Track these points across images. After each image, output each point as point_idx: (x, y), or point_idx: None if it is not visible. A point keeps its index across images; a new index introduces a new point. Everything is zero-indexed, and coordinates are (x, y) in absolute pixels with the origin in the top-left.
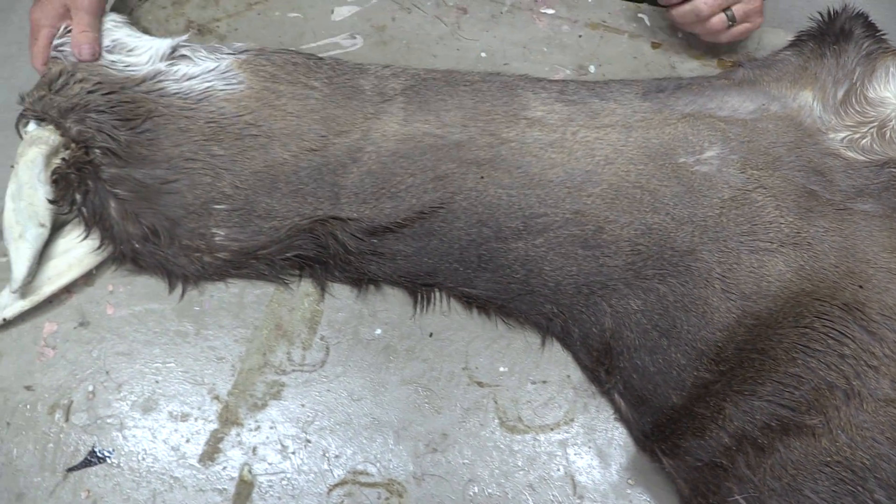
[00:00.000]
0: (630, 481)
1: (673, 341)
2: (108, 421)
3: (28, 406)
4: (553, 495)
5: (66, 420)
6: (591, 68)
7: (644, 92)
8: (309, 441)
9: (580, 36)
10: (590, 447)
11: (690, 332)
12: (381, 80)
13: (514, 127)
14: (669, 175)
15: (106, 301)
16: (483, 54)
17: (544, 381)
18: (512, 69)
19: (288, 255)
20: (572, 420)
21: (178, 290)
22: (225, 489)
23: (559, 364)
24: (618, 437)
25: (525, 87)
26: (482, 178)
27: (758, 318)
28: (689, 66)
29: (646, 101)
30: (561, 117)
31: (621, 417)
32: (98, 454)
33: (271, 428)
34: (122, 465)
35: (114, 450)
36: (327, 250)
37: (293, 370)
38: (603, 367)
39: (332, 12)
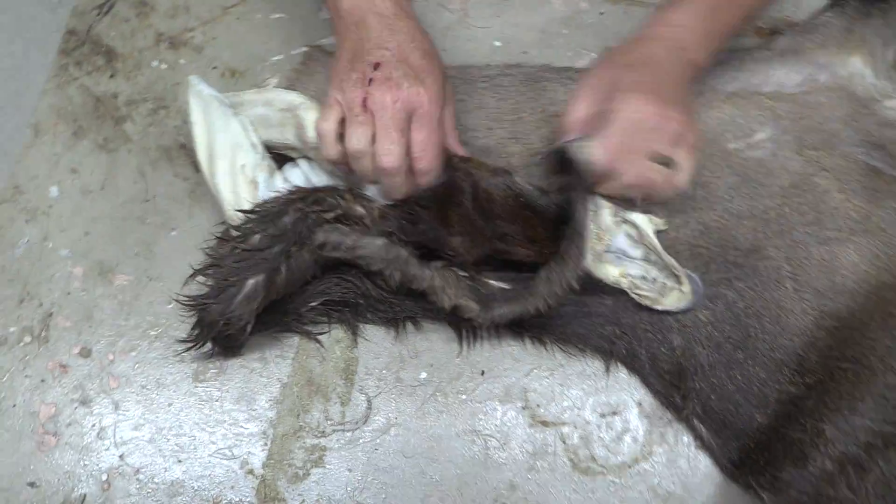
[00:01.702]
0: None
1: (749, 353)
2: None
3: None
4: None
5: None
6: None
7: None
8: None
9: (601, 13)
10: (674, 482)
11: (766, 340)
12: None
13: (545, 126)
14: (720, 165)
15: (107, 373)
16: (497, 43)
17: (614, 413)
18: (532, 58)
19: (313, 303)
20: (650, 454)
21: (190, 354)
22: None
23: (628, 391)
24: (703, 468)
25: (551, 79)
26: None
27: (839, 319)
28: None
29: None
30: None
31: (703, 445)
32: None
33: (318, 501)
34: None
35: None
36: (357, 289)
37: (333, 430)
38: (677, 390)
39: (321, 10)
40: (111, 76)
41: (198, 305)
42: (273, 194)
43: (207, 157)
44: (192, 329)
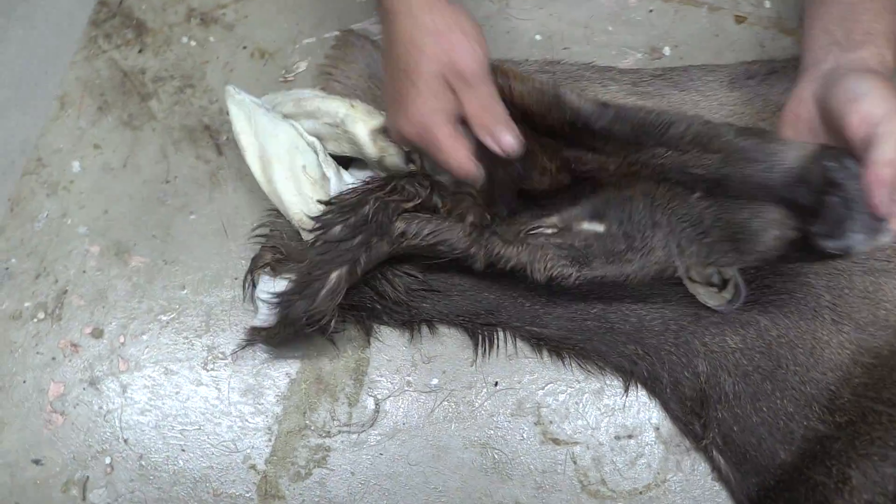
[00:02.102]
0: None
1: (778, 385)
2: (131, 498)
3: (38, 483)
4: None
5: (84, 499)
6: (666, 50)
7: (731, 79)
8: None
9: (650, 10)
10: None
11: (798, 372)
12: None
13: None
14: None
15: (117, 356)
16: (538, 37)
17: (630, 437)
18: (573, 55)
19: None
20: (664, 482)
21: (200, 342)
22: None
23: (646, 415)
24: (718, 502)
25: (591, 79)
26: None
27: (878, 356)
28: (782, 45)
29: (734, 90)
30: None
31: (721, 478)
32: None
33: (318, 502)
34: None
35: None
36: (374, 291)
37: (339, 431)
38: (698, 418)
39: None
40: (140, 51)
41: (282, 302)
42: (348, 187)
43: (260, 164)
44: (274, 328)
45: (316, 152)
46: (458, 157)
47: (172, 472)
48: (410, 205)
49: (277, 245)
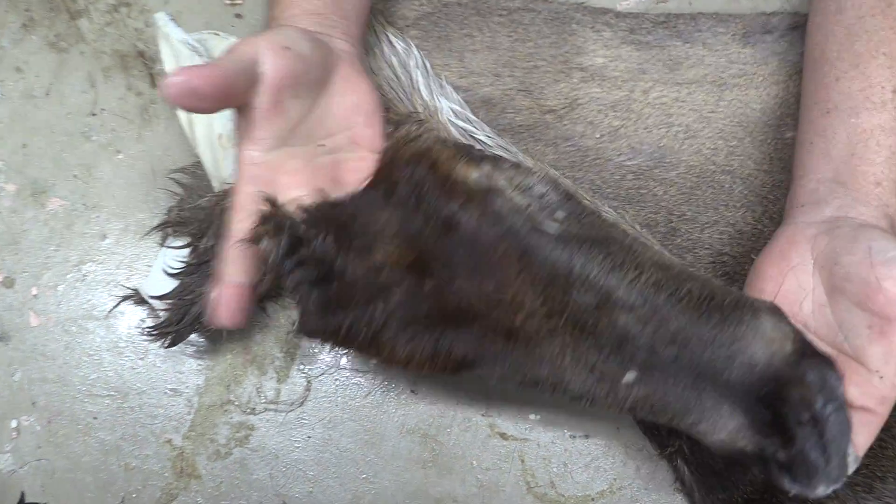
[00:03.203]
0: None
1: None
2: (38, 466)
3: None
4: None
5: None
6: None
7: (745, 33)
8: None
9: None
10: None
11: None
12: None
13: (564, 80)
14: (772, 156)
15: (29, 309)
16: None
17: (586, 436)
18: None
19: None
20: (619, 489)
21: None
22: None
23: (606, 414)
24: None
25: (582, 22)
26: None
27: None
28: None
29: (747, 46)
30: (629, 67)
31: (683, 489)
32: None
33: (237, 485)
34: None
35: (46, 502)
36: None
37: (265, 409)
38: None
39: None
40: None
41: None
42: None
43: (186, 117)
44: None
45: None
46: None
47: (83, 442)
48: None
49: (184, 207)
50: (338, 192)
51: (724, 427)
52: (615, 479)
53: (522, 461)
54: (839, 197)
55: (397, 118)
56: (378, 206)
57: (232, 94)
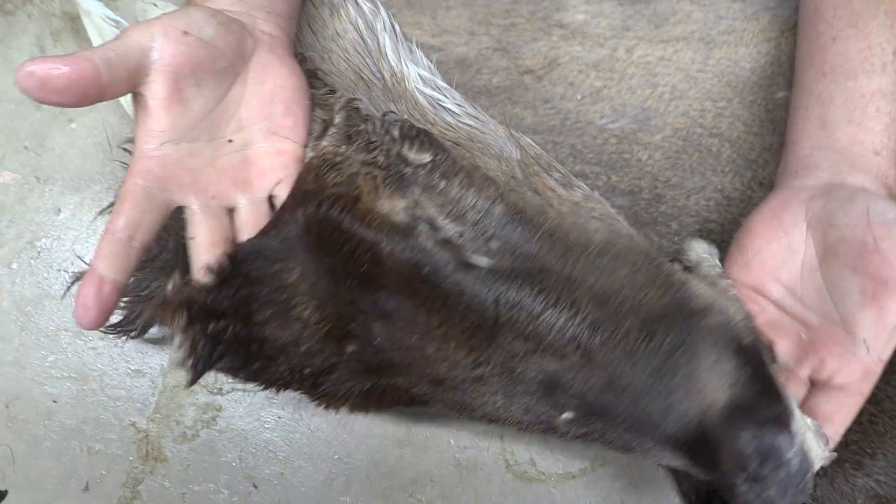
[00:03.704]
0: None
1: None
2: None
3: None
4: None
5: None
6: None
7: None
8: (255, 486)
9: None
10: (623, 502)
11: None
12: None
13: (543, 38)
14: (762, 118)
15: None
16: None
17: None
18: None
19: None
20: (601, 466)
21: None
22: None
23: None
24: (661, 491)
25: None
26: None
27: None
28: None
29: (736, 0)
30: (612, 24)
31: (667, 465)
32: None
33: (205, 467)
34: None
35: (6, 490)
36: None
37: (232, 389)
38: None
39: None
40: None
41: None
42: None
43: None
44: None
45: None
46: None
47: (43, 426)
48: None
49: None
50: (244, 196)
51: (672, 462)
52: (596, 456)
53: (501, 438)
54: (835, 164)
55: (324, 117)
56: (290, 256)
57: (106, 86)
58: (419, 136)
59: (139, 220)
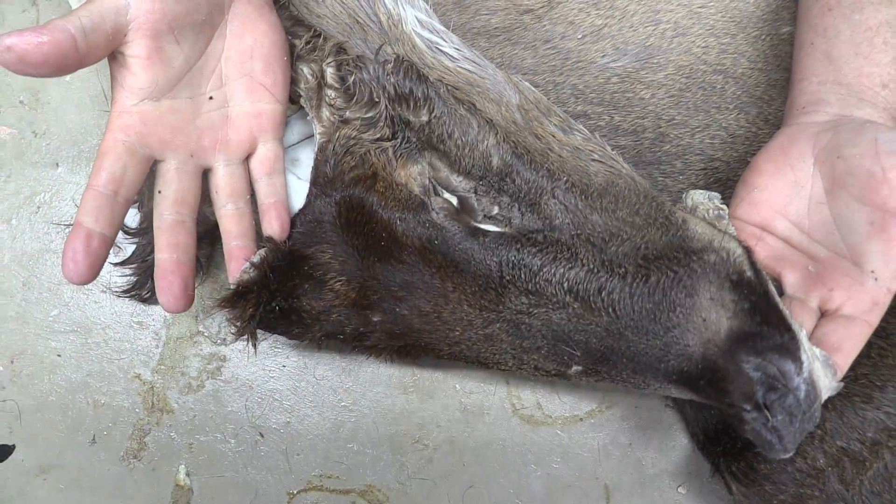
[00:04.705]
0: (681, 489)
1: None
2: (3, 407)
3: None
4: None
5: None
6: None
7: None
8: (261, 436)
9: None
10: (631, 444)
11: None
12: None
13: None
14: (768, 54)
15: None
16: None
17: None
18: None
19: None
20: (609, 408)
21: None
22: (156, 495)
23: None
24: (669, 431)
25: None
26: (493, 59)
27: None
28: None
29: None
30: None
31: (675, 406)
32: None
33: (211, 417)
34: (24, 459)
35: (14, 444)
36: None
37: (236, 339)
38: None
39: None
40: None
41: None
42: None
43: None
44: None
45: None
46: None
47: (48, 380)
48: None
49: None
50: (222, 156)
51: (682, 395)
52: (603, 398)
53: (507, 383)
54: (843, 98)
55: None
56: (324, 239)
57: (84, 55)
58: (412, 90)
59: (121, 175)
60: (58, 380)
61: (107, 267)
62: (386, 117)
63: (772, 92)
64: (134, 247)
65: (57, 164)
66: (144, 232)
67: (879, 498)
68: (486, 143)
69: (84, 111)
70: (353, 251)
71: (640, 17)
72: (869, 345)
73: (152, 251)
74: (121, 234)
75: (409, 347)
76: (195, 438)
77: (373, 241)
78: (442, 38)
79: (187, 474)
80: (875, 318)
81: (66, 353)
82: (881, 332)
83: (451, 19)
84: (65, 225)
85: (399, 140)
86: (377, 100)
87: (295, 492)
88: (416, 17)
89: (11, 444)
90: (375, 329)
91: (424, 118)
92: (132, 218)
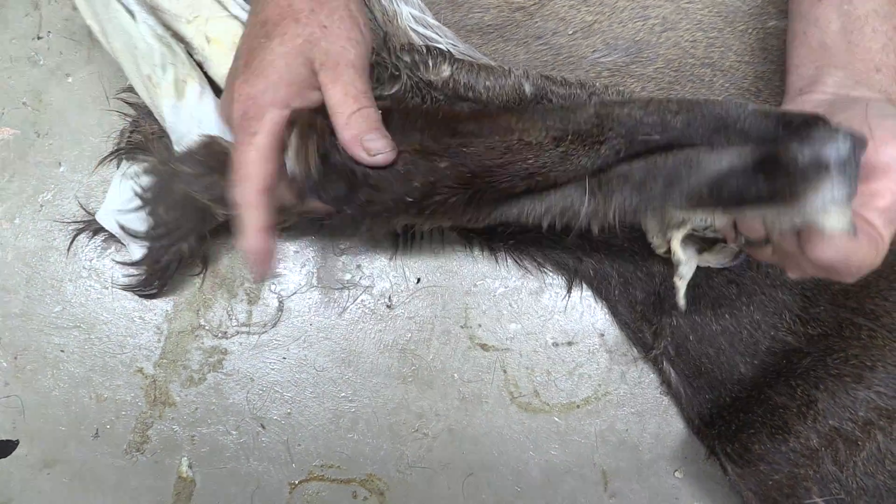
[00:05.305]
0: (677, 474)
1: (745, 288)
2: (7, 403)
3: None
4: (578, 498)
5: None
6: None
7: None
8: (263, 427)
9: None
10: (627, 430)
11: (770, 274)
12: None
13: None
14: (755, 47)
15: None
16: None
17: (569, 343)
18: None
19: None
20: (605, 395)
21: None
22: (159, 487)
23: (590, 320)
24: (664, 417)
25: None
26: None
27: None
28: None
29: None
30: None
31: (670, 392)
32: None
33: (212, 410)
34: (28, 454)
35: (17, 439)
36: None
37: (237, 332)
38: (649, 325)
39: None
40: None
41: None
42: (209, 112)
43: (99, 27)
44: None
45: (173, 57)
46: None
47: (51, 376)
48: None
49: (136, 129)
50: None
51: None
52: (600, 385)
53: (505, 371)
54: (840, 80)
55: None
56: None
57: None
58: (429, 49)
59: None
60: (61, 375)
61: (108, 263)
62: (411, 87)
63: (759, 84)
64: (144, 251)
65: (59, 164)
66: (156, 237)
67: (873, 479)
68: (512, 75)
69: (86, 112)
70: (415, 131)
71: (629, 12)
72: (859, 327)
73: (165, 254)
74: (128, 237)
75: (479, 195)
76: (197, 431)
77: (430, 118)
78: (436, 33)
79: (189, 466)
80: None
81: (69, 349)
82: (871, 315)
83: (445, 17)
84: (67, 223)
85: (428, 103)
86: (397, 73)
87: (296, 482)
88: (411, 13)
89: (15, 439)
90: (445, 176)
91: (447, 73)
92: (142, 222)
